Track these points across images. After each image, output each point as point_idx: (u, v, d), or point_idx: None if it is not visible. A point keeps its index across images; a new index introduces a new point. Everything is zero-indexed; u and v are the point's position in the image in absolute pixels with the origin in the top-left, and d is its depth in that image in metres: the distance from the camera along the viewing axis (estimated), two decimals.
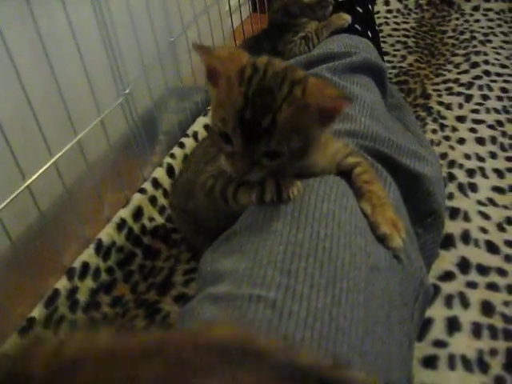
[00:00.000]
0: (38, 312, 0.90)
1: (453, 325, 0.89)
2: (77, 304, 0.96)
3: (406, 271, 0.73)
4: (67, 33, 0.92)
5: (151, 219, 1.13)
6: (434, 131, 1.37)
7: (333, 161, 0.76)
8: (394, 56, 1.76)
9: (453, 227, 1.07)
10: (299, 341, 0.51)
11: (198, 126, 1.35)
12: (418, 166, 0.93)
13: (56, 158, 0.91)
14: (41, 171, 0.88)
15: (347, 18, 1.37)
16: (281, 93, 0.64)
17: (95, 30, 1.01)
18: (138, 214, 1.11)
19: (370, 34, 1.42)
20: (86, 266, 0.99)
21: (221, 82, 0.67)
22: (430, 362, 0.84)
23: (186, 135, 1.31)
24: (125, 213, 1.09)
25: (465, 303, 0.93)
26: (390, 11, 2.07)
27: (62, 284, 0.95)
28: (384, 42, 1.82)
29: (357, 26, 1.39)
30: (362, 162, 0.78)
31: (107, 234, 1.04)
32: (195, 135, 1.32)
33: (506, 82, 1.57)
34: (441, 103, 1.48)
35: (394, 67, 1.69)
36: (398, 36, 1.88)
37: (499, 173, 1.23)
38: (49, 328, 0.90)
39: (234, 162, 0.66)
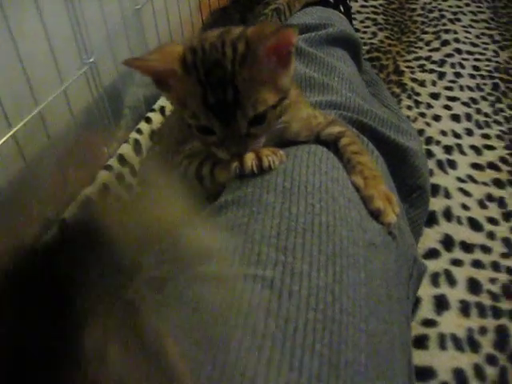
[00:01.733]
0: None
1: (441, 303, 0.87)
2: None
3: (400, 248, 0.69)
4: None
5: (118, 197, 1.06)
6: (409, 108, 1.35)
7: (308, 126, 0.72)
8: (365, 33, 1.72)
9: (434, 204, 1.04)
10: (302, 326, 0.46)
11: (165, 100, 1.28)
12: (402, 140, 0.90)
13: (15, 130, 0.82)
14: None
15: None
16: (226, 58, 0.60)
17: None
18: (104, 191, 1.03)
19: (341, 9, 1.39)
20: None
21: (170, 81, 0.63)
22: (420, 342, 0.81)
23: (153, 110, 1.24)
24: (90, 191, 1.01)
25: (451, 281, 0.91)
26: None
27: None
28: (353, 18, 1.78)
29: None
30: (346, 131, 0.74)
31: (71, 213, 0.97)
32: (162, 110, 1.25)
33: (477, 60, 1.57)
34: (414, 80, 1.47)
35: (365, 44, 1.65)
36: (367, 13, 1.85)
37: (476, 149, 1.21)
38: None
39: (229, 147, 0.62)
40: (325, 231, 0.56)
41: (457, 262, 0.95)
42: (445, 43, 1.63)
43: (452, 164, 1.16)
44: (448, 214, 1.03)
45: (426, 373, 0.78)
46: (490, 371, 0.78)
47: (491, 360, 0.79)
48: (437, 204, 1.05)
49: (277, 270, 0.50)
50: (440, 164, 1.16)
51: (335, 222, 0.57)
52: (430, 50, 1.61)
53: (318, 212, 0.57)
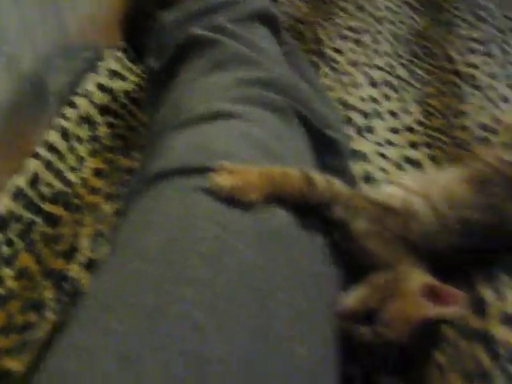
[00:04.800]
0: None
1: None
2: None
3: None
4: None
5: (49, 185, 1.07)
6: (328, 76, 1.39)
7: None
8: (283, 4, 1.74)
9: (354, 169, 1.10)
10: (233, 299, 0.51)
11: (90, 84, 1.28)
12: (328, 131, 0.94)
13: None
14: None
15: None
16: None
17: None
18: (34, 180, 1.04)
19: None
20: None
21: None
22: None
23: (77, 94, 1.24)
24: (20, 180, 1.02)
25: None
26: None
27: None
28: None
29: None
30: None
31: (3, 204, 0.97)
32: (87, 95, 1.25)
33: (396, 27, 1.62)
34: (333, 48, 1.50)
35: (283, 13, 1.67)
36: None
37: (393, 114, 1.28)
38: None
39: None
40: (261, 212, 0.62)
41: None
42: (362, 9, 1.69)
43: (370, 129, 1.22)
44: (367, 178, 1.09)
45: None
46: None
47: None
48: (356, 169, 1.10)
49: (214, 246, 0.55)
50: (359, 130, 1.21)
51: None
52: (349, 19, 1.65)
53: None
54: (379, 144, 1.18)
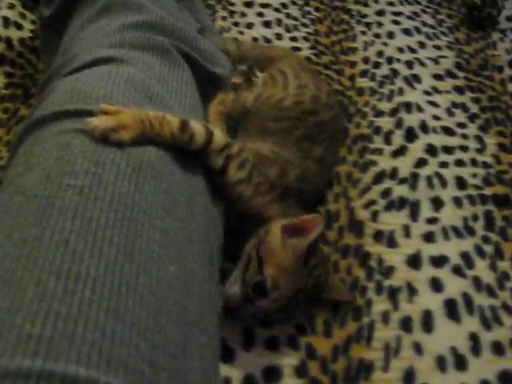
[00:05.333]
0: None
1: (437, 202, 1.06)
2: None
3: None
4: None
5: None
6: (224, 18, 1.44)
7: None
8: None
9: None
10: (103, 223, 0.57)
11: None
12: (215, 68, 0.99)
13: None
14: None
15: None
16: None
17: None
18: None
19: None
20: None
21: None
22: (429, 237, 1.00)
23: None
24: None
25: (443, 182, 1.09)
26: None
27: None
28: None
29: None
30: None
31: None
32: None
33: None
34: None
35: None
36: None
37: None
38: None
39: None
40: (134, 149, 0.67)
41: (443, 164, 1.12)
42: None
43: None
44: None
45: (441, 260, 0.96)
46: (487, 247, 0.99)
47: (486, 239, 1.01)
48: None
49: (86, 180, 0.60)
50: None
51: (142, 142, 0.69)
52: None
53: None
54: None
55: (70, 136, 0.65)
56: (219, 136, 0.79)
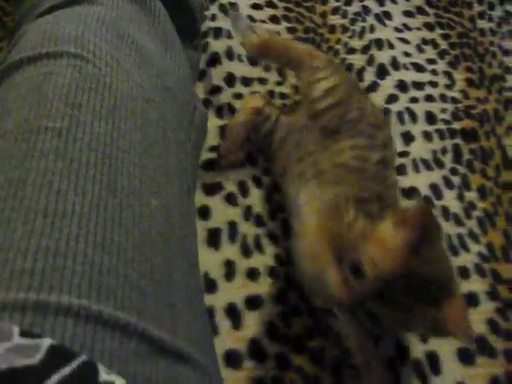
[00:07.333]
0: None
1: (408, 137, 1.10)
2: None
3: (179, 100, 0.82)
4: None
5: None
6: None
7: None
8: None
9: None
10: (85, 163, 0.58)
11: None
12: None
13: None
14: None
15: None
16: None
17: None
18: None
19: None
20: None
21: None
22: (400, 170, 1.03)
23: None
24: None
25: (413, 117, 1.13)
26: None
27: None
28: None
29: None
30: None
31: None
32: None
33: None
34: None
35: None
36: None
37: None
38: None
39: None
40: (107, 90, 0.67)
41: (414, 100, 1.15)
42: None
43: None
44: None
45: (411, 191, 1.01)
46: (454, 179, 1.04)
47: (454, 171, 1.05)
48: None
49: (64, 122, 0.61)
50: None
51: (117, 82, 0.68)
52: None
53: (104, 74, 0.68)
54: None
55: (43, 80, 0.66)
56: None
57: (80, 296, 0.48)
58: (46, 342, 0.42)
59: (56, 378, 0.40)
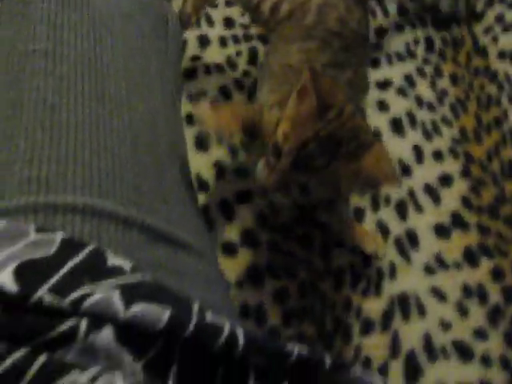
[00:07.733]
0: None
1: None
2: None
3: (153, 14, 0.84)
4: None
5: None
6: None
7: None
8: None
9: None
10: (73, 78, 0.63)
11: None
12: None
13: None
14: None
15: None
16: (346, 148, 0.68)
17: None
18: None
19: None
20: None
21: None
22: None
23: None
24: None
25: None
26: None
27: None
28: None
29: None
30: None
31: None
32: None
33: None
34: None
35: None
36: None
37: None
38: None
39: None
40: (86, 7, 0.70)
41: None
42: None
43: None
44: None
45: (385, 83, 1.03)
46: (427, 69, 1.07)
47: (426, 61, 1.08)
48: None
49: (49, 43, 0.65)
50: None
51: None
52: None
53: None
54: None
55: (24, 5, 0.69)
56: None
57: (83, 195, 0.54)
58: (59, 236, 0.48)
59: (69, 265, 0.46)
